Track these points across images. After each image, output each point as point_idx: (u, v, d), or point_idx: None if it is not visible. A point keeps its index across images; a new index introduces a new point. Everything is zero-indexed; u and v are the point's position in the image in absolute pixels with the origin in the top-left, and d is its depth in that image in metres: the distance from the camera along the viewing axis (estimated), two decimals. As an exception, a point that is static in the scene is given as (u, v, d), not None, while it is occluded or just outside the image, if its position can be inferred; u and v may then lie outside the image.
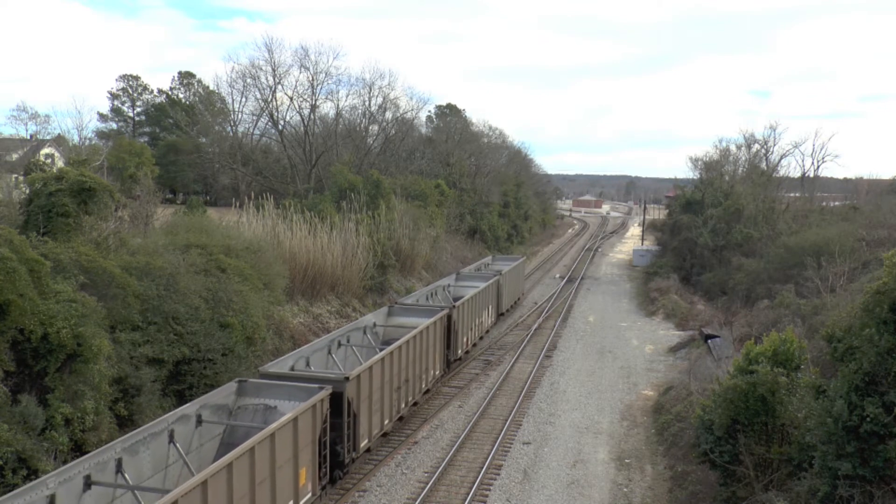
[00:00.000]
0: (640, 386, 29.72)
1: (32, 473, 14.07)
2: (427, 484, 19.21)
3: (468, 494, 18.78)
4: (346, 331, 24.21)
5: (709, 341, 31.65)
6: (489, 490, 19.32)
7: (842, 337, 14.23)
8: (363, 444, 19.74)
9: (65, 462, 14.65)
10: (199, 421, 15.83)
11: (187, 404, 16.05)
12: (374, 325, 26.57)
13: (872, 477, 13.13)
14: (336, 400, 17.78)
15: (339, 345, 23.08)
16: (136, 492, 12.93)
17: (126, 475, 13.11)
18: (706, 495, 17.94)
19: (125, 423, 17.85)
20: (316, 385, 17.16)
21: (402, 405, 23.14)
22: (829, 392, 14.23)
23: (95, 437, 16.42)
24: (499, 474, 20.37)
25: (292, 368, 19.57)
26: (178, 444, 14.69)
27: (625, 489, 19.82)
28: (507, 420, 24.54)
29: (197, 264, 23.47)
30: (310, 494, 16.28)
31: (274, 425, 14.64)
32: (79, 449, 15.93)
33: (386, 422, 21.57)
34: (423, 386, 25.46)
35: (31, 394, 15.63)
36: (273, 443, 14.34)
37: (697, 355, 30.96)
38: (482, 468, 20.43)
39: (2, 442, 13.91)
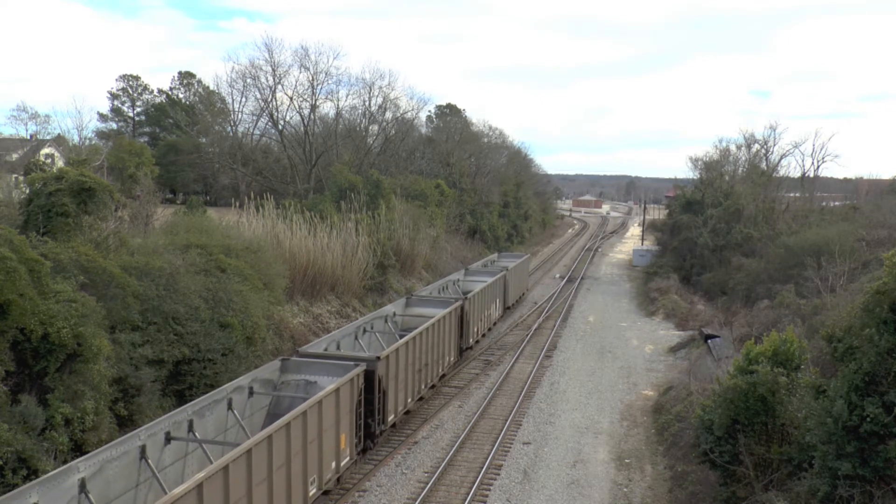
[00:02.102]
0: (640, 386, 29.71)
1: (32, 473, 14.07)
2: (427, 484, 19.21)
3: (468, 494, 18.77)
4: (370, 318, 26.42)
5: (709, 341, 31.64)
6: (489, 490, 19.31)
7: (842, 337, 14.23)
8: (390, 418, 21.85)
9: (65, 462, 14.68)
10: (251, 392, 18.03)
11: (241, 377, 18.23)
12: (394, 314, 28.65)
13: (872, 477, 13.13)
14: (368, 377, 19.82)
15: (365, 331, 25.14)
16: (204, 446, 15.16)
17: (196, 433, 15.33)
18: (706, 495, 17.93)
19: (125, 423, 17.84)
20: (352, 363, 19.41)
21: (423, 386, 25.23)
22: (829, 392, 14.23)
23: (95, 437, 16.41)
24: (499, 474, 20.37)
25: (325, 350, 21.60)
26: (235, 411, 16.91)
27: (625, 489, 19.82)
28: (507, 420, 24.53)
29: (197, 264, 23.46)
30: (348, 458, 18.59)
31: (321, 394, 16.76)
32: (78, 449, 15.92)
33: (409, 400, 23.72)
34: (440, 370, 27.53)
35: (31, 394, 15.62)
36: (321, 409, 16.52)
37: (697, 355, 30.96)
38: (482, 468, 20.43)
39: (2, 442, 13.91)
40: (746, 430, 16.08)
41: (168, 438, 14.57)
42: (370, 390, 20.04)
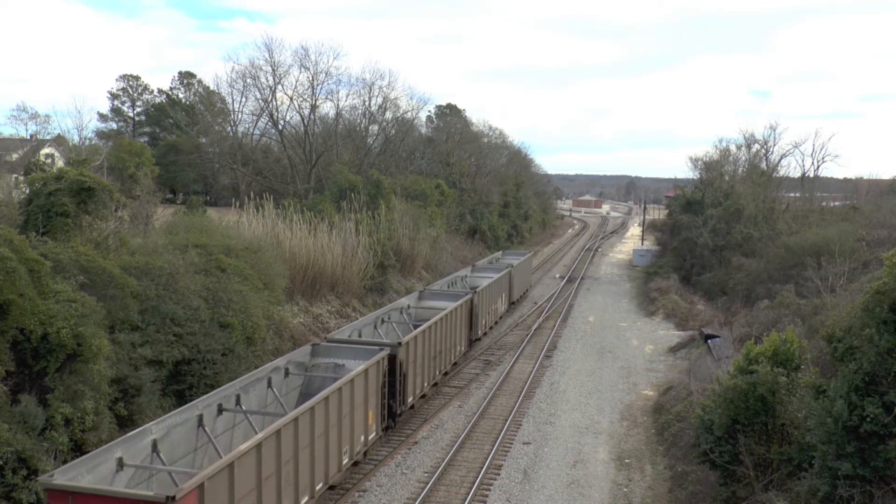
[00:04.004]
0: (640, 386, 29.71)
1: (32, 473, 14.07)
2: (427, 484, 19.20)
3: (468, 494, 18.77)
4: (387, 310, 28.49)
5: (709, 341, 31.63)
6: (489, 490, 19.31)
7: (842, 337, 14.22)
8: (410, 400, 23.59)
9: (64, 462, 14.70)
10: (287, 373, 19.93)
11: (278, 359, 20.28)
12: (409, 306, 30.63)
13: (872, 477, 13.13)
14: (391, 361, 21.54)
15: (383, 321, 27.09)
16: (249, 417, 17.12)
17: (243, 406, 17.21)
18: (706, 495, 17.93)
19: (125, 423, 17.82)
20: (377, 347, 21.37)
21: (437, 372, 27.03)
22: (829, 392, 14.22)
23: (95, 437, 16.39)
24: (499, 474, 20.36)
25: (349, 337, 23.49)
26: (274, 389, 18.83)
27: (625, 489, 19.82)
28: (507, 420, 24.53)
29: (196, 264, 23.44)
30: (374, 433, 20.38)
31: (353, 373, 18.60)
32: (79, 449, 15.91)
33: (425, 384, 25.47)
34: (452, 359, 29.48)
35: (31, 394, 15.62)
36: (353, 387, 18.36)
37: (697, 355, 30.95)
38: (482, 468, 20.42)
39: (2, 442, 13.91)
40: (746, 430, 16.07)
41: (220, 410, 16.50)
42: (392, 373, 21.72)
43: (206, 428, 15.63)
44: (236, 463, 12.87)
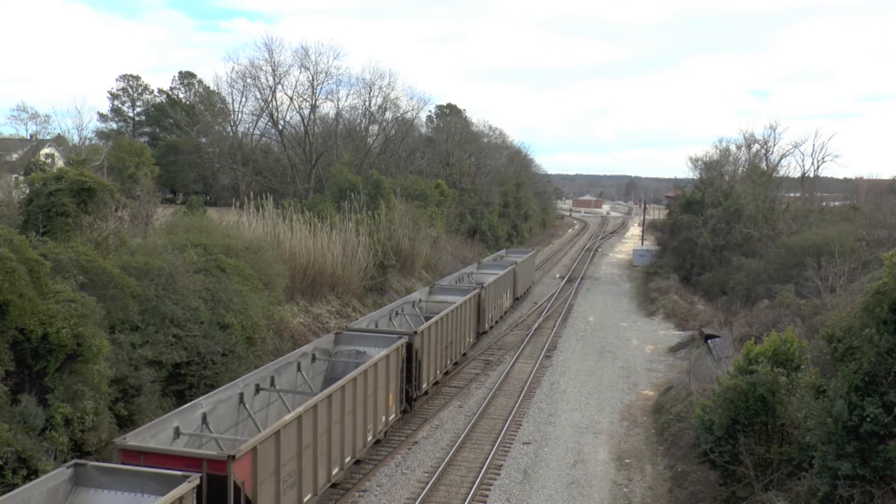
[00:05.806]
0: (640, 386, 29.71)
1: (32, 473, 14.06)
2: (427, 484, 19.20)
3: (468, 494, 18.77)
4: (400, 303, 30.41)
5: (709, 341, 31.63)
6: (489, 490, 19.31)
7: (842, 337, 14.22)
8: (424, 385, 25.16)
9: (64, 461, 14.69)
10: (314, 358, 21.63)
11: (306, 345, 22.31)
12: (420, 300, 32.28)
13: (872, 477, 13.13)
14: (407, 349, 23.03)
15: (397, 314, 28.95)
16: (282, 396, 18.94)
17: (276, 387, 18.88)
18: (706, 495, 17.93)
19: (125, 424, 17.82)
20: (395, 336, 23.04)
21: (448, 361, 28.60)
22: (829, 392, 14.22)
23: (95, 437, 16.40)
24: (499, 474, 20.36)
25: (367, 327, 25.09)
26: (303, 372, 20.48)
27: (625, 489, 19.82)
28: (507, 420, 24.53)
29: (196, 264, 23.43)
30: (394, 414, 22.07)
31: (376, 357, 20.29)
32: (79, 449, 15.91)
33: (438, 372, 27.07)
34: (461, 350, 31.12)
35: (31, 394, 15.61)
36: (376, 370, 20.02)
37: (697, 355, 30.94)
38: (482, 468, 20.43)
39: (2, 442, 13.91)
40: (746, 430, 16.08)
41: (257, 389, 18.12)
42: (409, 360, 23.15)
43: (246, 405, 17.34)
44: (282, 431, 14.55)
